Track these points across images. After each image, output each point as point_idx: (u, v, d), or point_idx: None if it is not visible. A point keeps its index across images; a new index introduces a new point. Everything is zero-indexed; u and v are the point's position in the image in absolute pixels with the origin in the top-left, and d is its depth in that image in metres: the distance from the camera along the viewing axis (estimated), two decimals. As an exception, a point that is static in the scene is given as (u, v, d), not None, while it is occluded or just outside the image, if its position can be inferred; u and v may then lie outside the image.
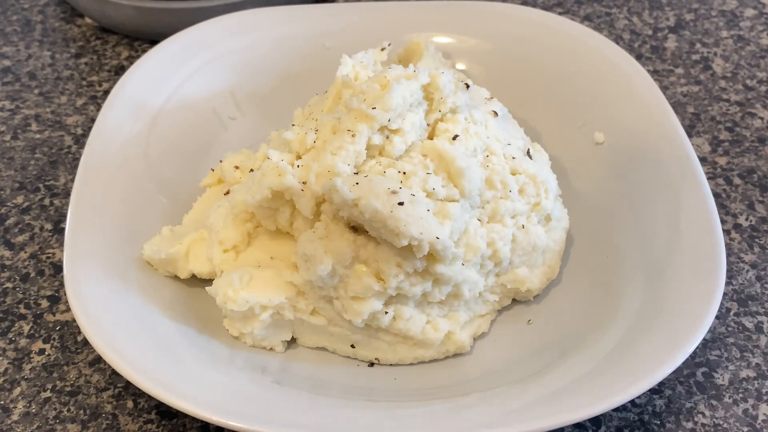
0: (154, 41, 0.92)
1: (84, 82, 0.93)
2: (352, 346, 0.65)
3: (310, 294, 0.63)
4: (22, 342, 0.68)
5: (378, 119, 0.63)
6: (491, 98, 0.74)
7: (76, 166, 0.81)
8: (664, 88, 0.91)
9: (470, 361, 0.65)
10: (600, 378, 0.58)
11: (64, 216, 0.77)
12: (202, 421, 0.63)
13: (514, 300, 0.69)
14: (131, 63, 0.93)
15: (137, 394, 0.64)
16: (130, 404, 0.64)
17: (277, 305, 0.63)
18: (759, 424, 0.63)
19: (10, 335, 0.68)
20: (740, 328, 0.69)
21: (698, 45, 0.98)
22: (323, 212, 0.62)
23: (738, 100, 0.91)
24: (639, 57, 0.96)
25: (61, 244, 0.75)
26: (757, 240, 0.76)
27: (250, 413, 0.56)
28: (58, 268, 0.73)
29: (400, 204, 0.59)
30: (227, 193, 0.69)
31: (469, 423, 0.56)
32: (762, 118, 0.88)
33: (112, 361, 0.57)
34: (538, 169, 0.68)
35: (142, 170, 0.73)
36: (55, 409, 0.64)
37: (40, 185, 0.81)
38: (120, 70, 0.94)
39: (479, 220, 0.65)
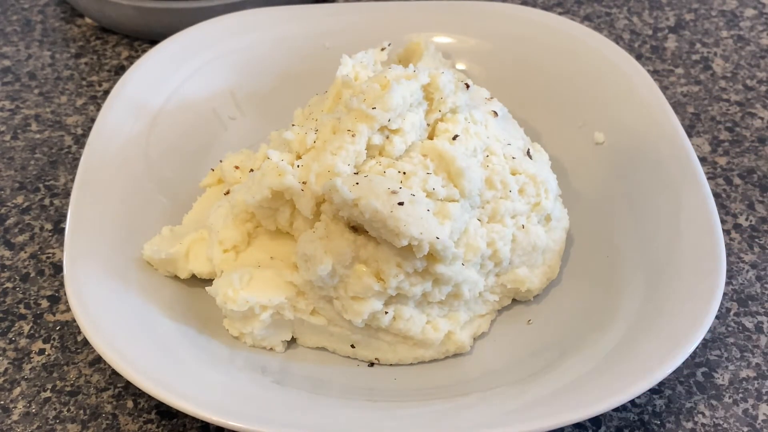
0: (154, 41, 0.92)
1: (84, 82, 0.93)
2: (352, 346, 0.65)
3: (310, 294, 0.63)
4: (22, 342, 0.68)
5: (378, 119, 0.63)
6: (491, 98, 0.74)
7: (76, 166, 0.81)
8: (664, 88, 0.91)
9: (470, 361, 0.65)
10: (600, 378, 0.58)
11: (64, 216, 0.77)
12: (202, 421, 0.63)
13: (514, 300, 0.69)
14: (131, 63, 0.93)
15: (137, 394, 0.64)
16: (130, 404, 0.64)
17: (277, 305, 0.63)
18: (759, 424, 0.63)
19: (10, 335, 0.68)
20: (740, 328, 0.69)
21: (698, 45, 0.98)
22: (323, 212, 0.62)
23: (738, 100, 0.91)
24: (639, 57, 0.96)
25: (61, 244, 0.75)
26: (757, 240, 0.76)
27: (250, 413, 0.56)
28: (58, 268, 0.73)
29: (400, 204, 0.59)
30: (227, 193, 0.69)
31: (469, 423, 0.56)
32: (762, 118, 0.88)
33: (112, 361, 0.57)
34: (538, 169, 0.68)
35: (142, 170, 0.73)
36: (55, 409, 0.64)
37: (40, 185, 0.81)
38: (120, 70, 0.94)
39: (479, 220, 0.65)
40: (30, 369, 0.66)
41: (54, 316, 0.70)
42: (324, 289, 0.62)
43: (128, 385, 0.65)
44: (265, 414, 0.56)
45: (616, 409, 0.64)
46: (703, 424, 0.63)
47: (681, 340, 0.58)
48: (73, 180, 0.80)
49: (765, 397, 0.65)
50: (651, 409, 0.64)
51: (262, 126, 0.80)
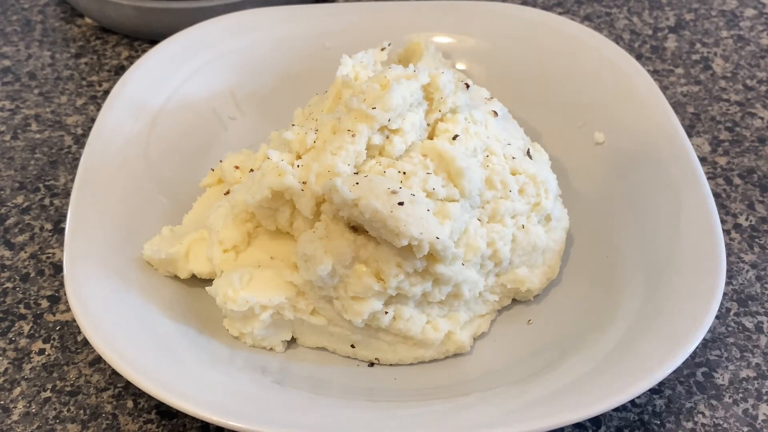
0: (154, 41, 0.92)
1: (84, 82, 0.93)
2: (352, 346, 0.65)
3: (310, 294, 0.63)
4: (22, 342, 0.68)
5: (378, 119, 0.63)
6: (491, 98, 0.74)
7: (76, 166, 0.81)
8: (664, 88, 0.91)
9: (470, 361, 0.65)
10: (600, 378, 0.58)
11: (64, 216, 0.77)
12: (202, 421, 0.63)
13: (514, 300, 0.69)
14: (131, 63, 0.93)
15: (137, 394, 0.64)
16: (130, 404, 0.64)
17: (277, 305, 0.63)
18: (759, 424, 0.63)
19: (10, 335, 0.68)
20: (740, 328, 0.69)
21: (698, 45, 0.98)
22: (323, 212, 0.62)
23: (738, 100, 0.91)
24: (639, 57, 0.96)
25: (61, 244, 0.75)
26: (757, 240, 0.76)
27: (250, 413, 0.56)
28: (58, 268, 0.73)
29: (400, 204, 0.59)
30: (227, 193, 0.69)
31: (469, 423, 0.56)
32: (762, 118, 0.88)
33: (112, 361, 0.57)
34: (538, 169, 0.68)
35: (142, 170, 0.73)
36: (55, 409, 0.64)
37: (40, 185, 0.81)
38: (120, 70, 0.94)
39: (479, 220, 0.65)
40: (30, 369, 0.66)
41: (54, 316, 0.70)
42: (324, 289, 0.62)
43: (128, 385, 0.65)
44: (265, 414, 0.56)
45: (616, 409, 0.64)
46: (703, 424, 0.63)
47: (681, 340, 0.58)
48: (73, 180, 0.80)
49: (765, 397, 0.65)
50: (651, 409, 0.64)
51: (262, 126, 0.80)
